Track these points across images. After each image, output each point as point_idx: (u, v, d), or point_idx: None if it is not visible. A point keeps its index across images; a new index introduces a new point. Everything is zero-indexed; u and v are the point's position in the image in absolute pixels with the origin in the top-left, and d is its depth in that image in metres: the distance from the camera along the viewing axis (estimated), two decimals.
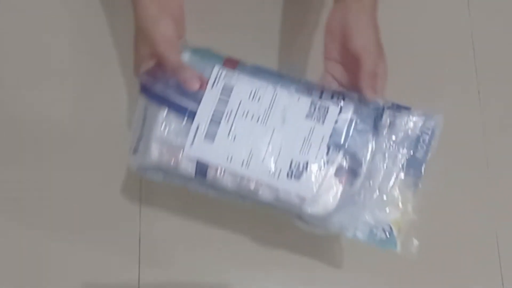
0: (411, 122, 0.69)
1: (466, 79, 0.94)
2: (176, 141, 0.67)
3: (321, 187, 0.65)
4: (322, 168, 0.65)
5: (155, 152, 0.67)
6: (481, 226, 0.87)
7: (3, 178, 0.85)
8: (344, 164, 0.66)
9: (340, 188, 0.66)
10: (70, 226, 0.84)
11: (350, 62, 0.70)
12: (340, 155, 0.65)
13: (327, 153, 0.65)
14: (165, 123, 0.67)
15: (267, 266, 0.84)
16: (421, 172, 0.68)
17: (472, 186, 0.89)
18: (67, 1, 0.93)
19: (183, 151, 0.66)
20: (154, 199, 0.86)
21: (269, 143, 0.66)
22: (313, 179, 0.65)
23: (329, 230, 0.68)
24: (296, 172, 0.65)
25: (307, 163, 0.65)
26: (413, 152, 0.68)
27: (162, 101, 0.67)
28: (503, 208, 0.88)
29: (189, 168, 0.67)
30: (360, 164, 0.66)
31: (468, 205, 0.88)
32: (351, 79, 0.71)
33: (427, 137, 0.69)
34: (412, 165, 0.68)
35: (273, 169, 0.65)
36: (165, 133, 0.67)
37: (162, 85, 0.67)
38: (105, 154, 0.87)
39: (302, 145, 0.66)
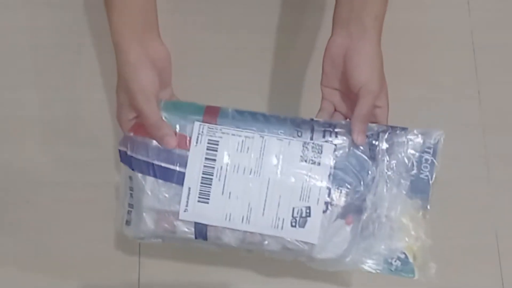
0: (411, 143, 0.66)
1: (466, 79, 0.93)
2: (169, 207, 0.63)
3: (328, 231, 0.63)
4: (326, 211, 0.62)
5: (149, 222, 0.64)
6: (481, 226, 0.87)
7: None
8: (348, 202, 0.63)
9: (348, 229, 0.63)
10: (70, 226, 0.84)
11: (350, 93, 0.67)
12: (343, 194, 0.63)
13: (329, 194, 0.63)
14: (154, 191, 0.63)
15: (267, 267, 0.84)
16: (428, 193, 0.65)
17: (472, 186, 0.89)
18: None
19: (178, 217, 0.63)
20: None
21: (266, 195, 0.63)
22: (318, 224, 0.62)
23: (343, 268, 0.65)
24: (300, 219, 0.62)
25: (309, 209, 0.62)
26: (417, 174, 0.65)
27: (147, 167, 0.64)
28: (503, 208, 0.88)
29: (187, 232, 0.64)
30: (364, 199, 0.63)
31: (468, 205, 0.88)
32: (350, 108, 0.68)
33: (429, 156, 0.66)
34: (418, 187, 0.65)
35: (275, 221, 0.62)
36: (156, 201, 0.63)
37: (144, 149, 0.64)
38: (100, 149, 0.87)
39: (302, 191, 0.63)
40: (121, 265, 0.83)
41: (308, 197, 0.62)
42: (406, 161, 0.65)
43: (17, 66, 0.91)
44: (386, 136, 0.65)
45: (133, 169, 0.65)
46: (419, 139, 0.66)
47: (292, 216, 0.62)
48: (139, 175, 0.64)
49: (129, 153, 0.65)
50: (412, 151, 0.65)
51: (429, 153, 0.66)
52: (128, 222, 0.67)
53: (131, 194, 0.66)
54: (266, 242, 0.64)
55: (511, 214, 0.88)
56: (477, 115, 0.92)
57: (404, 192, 0.65)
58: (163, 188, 0.64)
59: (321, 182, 0.63)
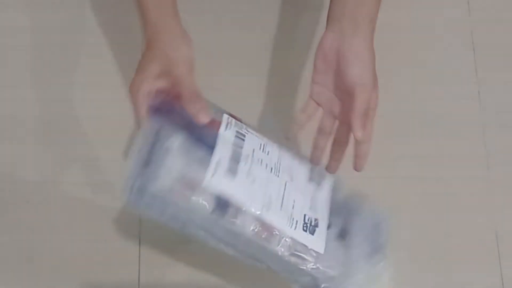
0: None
1: (466, 79, 0.93)
2: (192, 172, 0.61)
3: (328, 248, 0.65)
4: (328, 228, 0.66)
5: (166, 182, 0.61)
6: (481, 226, 0.87)
7: None
8: (344, 227, 0.66)
9: (342, 251, 0.66)
10: (70, 226, 0.84)
11: (343, 91, 0.67)
12: (340, 219, 0.67)
13: (329, 216, 0.67)
14: (180, 151, 0.62)
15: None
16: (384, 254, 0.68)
17: (472, 186, 0.89)
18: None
19: (202, 183, 0.61)
20: None
21: (283, 195, 0.64)
22: (325, 236, 0.65)
23: None
24: (310, 227, 0.64)
25: (317, 221, 0.65)
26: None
27: (179, 128, 0.63)
28: (503, 208, 0.88)
29: (206, 202, 0.62)
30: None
31: (468, 205, 0.88)
32: (341, 107, 0.69)
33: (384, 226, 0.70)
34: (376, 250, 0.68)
35: (290, 219, 0.64)
36: (180, 163, 0.61)
37: (179, 112, 0.63)
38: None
39: (311, 204, 0.66)
40: (121, 265, 0.83)
41: (316, 211, 0.65)
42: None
43: (18, 65, 0.91)
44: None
45: (164, 125, 0.63)
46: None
47: (304, 221, 0.64)
48: (169, 132, 0.63)
49: (163, 109, 0.64)
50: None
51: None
52: (139, 177, 0.62)
53: (152, 149, 0.62)
54: (278, 240, 0.63)
55: (511, 214, 0.88)
56: (477, 115, 0.92)
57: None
58: (191, 152, 0.63)
59: (325, 204, 0.67)
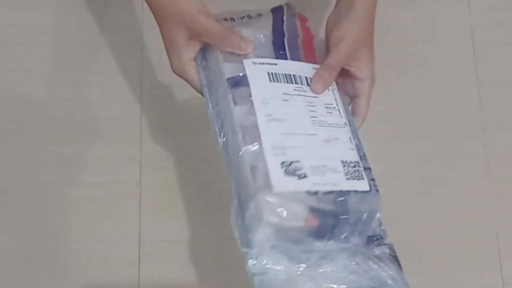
0: None
1: (466, 79, 0.93)
2: None
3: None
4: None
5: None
6: (481, 226, 0.87)
7: None
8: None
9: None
10: (70, 226, 0.84)
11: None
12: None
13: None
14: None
15: None
16: None
17: (472, 186, 0.89)
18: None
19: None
20: (155, 198, 0.86)
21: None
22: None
23: None
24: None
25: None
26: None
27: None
28: (503, 208, 0.88)
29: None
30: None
31: (468, 205, 0.88)
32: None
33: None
34: None
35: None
36: None
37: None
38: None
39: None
40: (121, 265, 0.83)
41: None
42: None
43: (19, 65, 0.91)
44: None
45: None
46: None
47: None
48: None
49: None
50: None
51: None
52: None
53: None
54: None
55: (511, 214, 0.88)
56: (477, 114, 0.92)
57: None
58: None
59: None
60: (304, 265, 0.51)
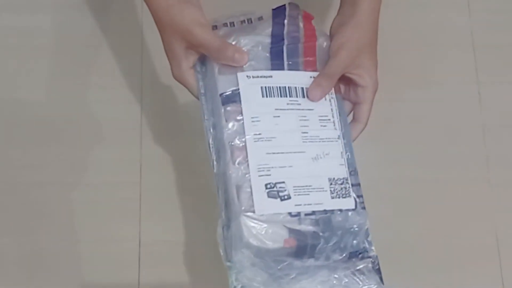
0: None
1: (466, 79, 0.93)
2: None
3: None
4: None
5: None
6: (481, 226, 0.87)
7: None
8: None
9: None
10: (70, 226, 0.84)
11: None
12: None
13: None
14: None
15: None
16: None
17: (472, 187, 0.89)
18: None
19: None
20: (155, 199, 0.86)
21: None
22: None
23: None
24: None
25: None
26: None
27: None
28: (503, 209, 0.88)
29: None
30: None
31: (468, 206, 0.88)
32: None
33: None
34: None
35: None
36: None
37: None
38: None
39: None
40: (121, 265, 0.83)
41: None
42: None
43: (24, 66, 0.91)
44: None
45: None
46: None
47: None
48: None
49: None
50: None
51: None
52: None
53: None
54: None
55: (511, 214, 0.88)
56: (477, 115, 0.92)
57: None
58: None
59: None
60: (283, 281, 0.52)
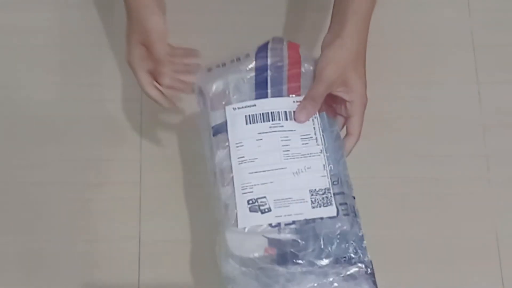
0: None
1: (466, 79, 0.93)
2: None
3: None
4: None
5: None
6: (481, 226, 0.87)
7: None
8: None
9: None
10: (70, 226, 0.84)
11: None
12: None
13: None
14: None
15: None
16: None
17: (472, 186, 0.89)
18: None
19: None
20: (155, 199, 0.86)
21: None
22: None
23: None
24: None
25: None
26: None
27: None
28: (503, 208, 0.88)
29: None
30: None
31: (468, 206, 0.88)
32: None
33: None
34: None
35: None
36: None
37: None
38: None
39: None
40: (121, 265, 0.83)
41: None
42: None
43: (23, 65, 0.91)
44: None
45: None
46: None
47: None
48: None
49: None
50: None
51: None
52: None
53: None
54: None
55: (511, 214, 0.88)
56: (477, 115, 0.92)
57: None
58: None
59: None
60: None
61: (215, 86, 0.64)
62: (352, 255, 0.57)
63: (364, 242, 0.59)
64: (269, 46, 0.65)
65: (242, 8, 0.94)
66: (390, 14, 0.96)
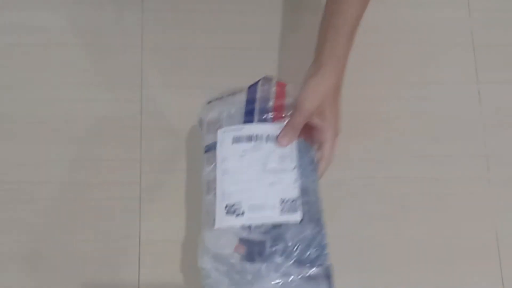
0: None
1: (466, 78, 0.94)
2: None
3: None
4: None
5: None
6: (481, 226, 0.87)
7: None
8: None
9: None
10: (70, 226, 0.84)
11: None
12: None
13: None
14: None
15: None
16: None
17: (472, 186, 0.89)
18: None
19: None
20: (155, 199, 0.86)
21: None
22: None
23: None
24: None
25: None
26: None
27: None
28: (503, 208, 0.88)
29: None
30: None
31: (468, 205, 0.88)
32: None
33: None
34: None
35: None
36: None
37: None
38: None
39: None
40: (121, 265, 0.83)
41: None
42: None
43: (22, 64, 0.91)
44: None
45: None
46: None
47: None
48: None
49: None
50: None
51: None
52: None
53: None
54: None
55: (511, 214, 0.88)
56: (477, 114, 0.92)
57: None
58: None
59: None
60: (241, 283, 0.65)
61: (211, 114, 0.74)
62: (313, 258, 0.64)
63: (326, 248, 0.66)
64: (260, 83, 0.75)
65: (239, 8, 0.94)
66: (390, 14, 0.96)
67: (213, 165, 0.70)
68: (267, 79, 0.75)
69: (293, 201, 0.66)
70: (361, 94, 0.91)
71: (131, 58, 0.91)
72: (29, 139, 0.88)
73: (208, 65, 0.92)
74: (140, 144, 0.88)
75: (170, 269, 0.83)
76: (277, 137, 0.70)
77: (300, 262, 0.63)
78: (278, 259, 0.63)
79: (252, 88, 0.74)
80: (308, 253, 0.64)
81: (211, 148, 0.71)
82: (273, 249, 0.64)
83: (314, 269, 0.64)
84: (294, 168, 0.69)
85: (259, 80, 0.76)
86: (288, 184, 0.67)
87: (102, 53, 0.92)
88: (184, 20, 0.93)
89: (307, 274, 0.63)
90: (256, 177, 0.68)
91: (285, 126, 0.70)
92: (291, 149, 0.69)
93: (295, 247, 0.64)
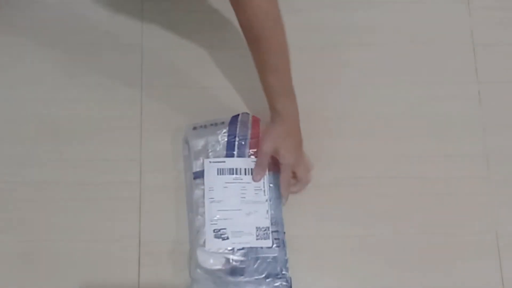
0: None
1: (466, 78, 0.94)
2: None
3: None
4: None
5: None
6: (481, 225, 0.87)
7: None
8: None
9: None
10: (70, 226, 0.84)
11: None
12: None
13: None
14: None
15: None
16: None
17: (472, 185, 0.89)
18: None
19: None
20: (155, 199, 0.86)
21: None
22: None
23: None
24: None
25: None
26: None
27: None
28: (503, 207, 0.88)
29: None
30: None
31: (468, 205, 0.88)
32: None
33: None
34: None
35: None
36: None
37: None
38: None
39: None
40: (121, 265, 0.83)
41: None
42: None
43: (22, 64, 0.91)
44: None
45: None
46: None
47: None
48: None
49: None
50: None
51: None
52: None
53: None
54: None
55: (511, 213, 0.88)
56: (477, 115, 0.92)
57: None
58: None
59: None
60: None
61: (198, 143, 0.86)
62: (278, 273, 0.82)
63: (288, 264, 0.83)
64: (239, 118, 0.87)
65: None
66: (390, 14, 0.96)
67: (201, 191, 0.83)
68: (245, 115, 0.88)
69: (265, 229, 0.83)
70: (360, 94, 0.92)
71: (131, 58, 0.91)
72: (29, 138, 0.88)
73: (208, 65, 0.92)
74: (140, 144, 0.88)
75: (170, 269, 0.83)
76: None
77: (269, 276, 0.81)
78: (254, 274, 0.81)
79: (233, 122, 0.87)
80: (275, 269, 0.81)
81: (199, 176, 0.84)
82: (250, 267, 0.81)
83: (279, 280, 0.81)
84: (266, 200, 0.84)
85: (238, 115, 0.87)
86: (262, 214, 0.83)
87: (102, 53, 0.92)
88: (184, 20, 0.93)
89: (274, 285, 0.81)
90: (237, 207, 0.83)
91: (255, 166, 0.85)
92: (264, 182, 0.85)
93: (266, 265, 0.81)
